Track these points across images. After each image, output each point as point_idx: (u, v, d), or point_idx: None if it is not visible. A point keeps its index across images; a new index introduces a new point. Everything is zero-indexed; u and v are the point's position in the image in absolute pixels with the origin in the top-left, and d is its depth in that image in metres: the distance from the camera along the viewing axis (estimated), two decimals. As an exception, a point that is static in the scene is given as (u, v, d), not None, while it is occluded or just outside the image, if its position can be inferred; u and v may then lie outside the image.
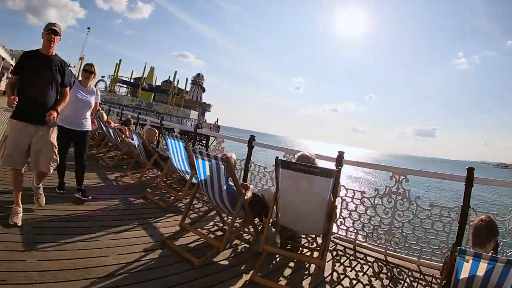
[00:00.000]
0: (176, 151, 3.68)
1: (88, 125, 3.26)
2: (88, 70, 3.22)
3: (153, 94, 42.52)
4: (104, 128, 5.59)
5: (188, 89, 46.84)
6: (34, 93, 2.40)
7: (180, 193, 3.64)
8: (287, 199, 2.31)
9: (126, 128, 5.85)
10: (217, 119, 40.33)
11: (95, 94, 3.29)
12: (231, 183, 2.39)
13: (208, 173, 2.44)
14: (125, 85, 44.10)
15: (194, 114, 39.73)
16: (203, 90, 51.59)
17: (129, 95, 41.28)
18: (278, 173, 2.24)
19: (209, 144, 23.71)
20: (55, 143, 2.55)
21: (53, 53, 2.52)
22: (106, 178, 4.23)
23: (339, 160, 3.31)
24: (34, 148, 2.43)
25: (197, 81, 50.30)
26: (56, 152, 2.55)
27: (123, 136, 5.16)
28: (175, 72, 43.07)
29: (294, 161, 2.47)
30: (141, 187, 3.99)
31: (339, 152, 3.36)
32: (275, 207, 2.37)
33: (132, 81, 44.23)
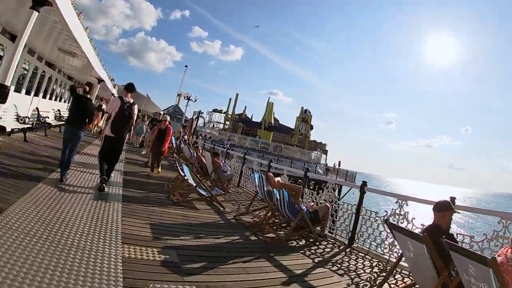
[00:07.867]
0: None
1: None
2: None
3: (272, 134, 36.15)
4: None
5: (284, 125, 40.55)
6: None
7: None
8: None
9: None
10: (339, 162, 31.58)
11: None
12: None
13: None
14: (223, 122, 40.47)
15: (323, 158, 34.33)
16: (311, 127, 43.86)
17: (233, 132, 35.17)
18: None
19: (341, 196, 19.57)
20: None
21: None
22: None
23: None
24: None
25: (305, 118, 40.98)
26: None
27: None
28: (302, 109, 37.77)
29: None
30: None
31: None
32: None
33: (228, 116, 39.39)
